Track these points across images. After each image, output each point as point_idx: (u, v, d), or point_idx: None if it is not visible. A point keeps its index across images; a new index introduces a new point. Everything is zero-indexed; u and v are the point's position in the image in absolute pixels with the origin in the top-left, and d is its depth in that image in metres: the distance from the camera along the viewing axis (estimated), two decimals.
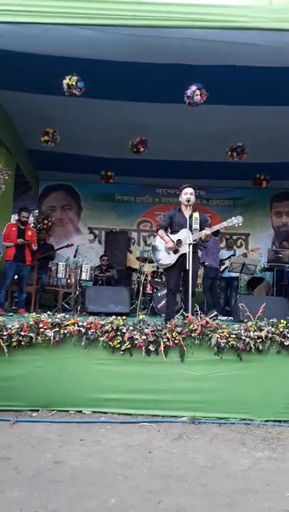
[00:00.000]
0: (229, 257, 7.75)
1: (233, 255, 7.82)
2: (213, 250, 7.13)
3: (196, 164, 8.08)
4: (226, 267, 7.64)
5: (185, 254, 4.56)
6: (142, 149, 6.81)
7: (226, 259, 7.77)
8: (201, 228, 4.63)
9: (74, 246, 8.69)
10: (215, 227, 4.79)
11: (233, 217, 4.66)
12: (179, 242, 4.69)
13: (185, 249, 4.57)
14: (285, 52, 4.60)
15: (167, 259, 4.80)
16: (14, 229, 6.45)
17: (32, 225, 9.27)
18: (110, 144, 7.30)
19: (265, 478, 2.66)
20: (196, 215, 4.67)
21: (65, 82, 4.88)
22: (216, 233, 7.11)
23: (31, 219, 9.94)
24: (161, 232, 4.88)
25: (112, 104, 6.13)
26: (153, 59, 5.01)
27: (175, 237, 4.74)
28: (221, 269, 7.75)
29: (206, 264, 7.03)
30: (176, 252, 4.70)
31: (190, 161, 8.00)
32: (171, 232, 4.85)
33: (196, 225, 4.59)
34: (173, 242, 4.72)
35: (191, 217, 4.62)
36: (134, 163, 7.78)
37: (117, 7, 4.09)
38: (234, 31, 4.25)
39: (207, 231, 4.57)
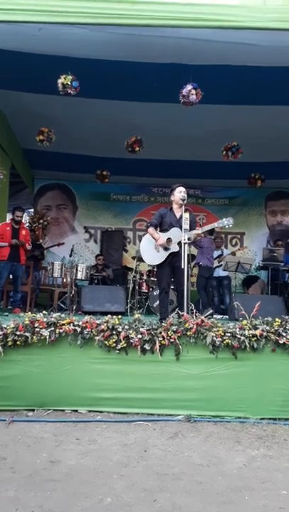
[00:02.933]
0: (218, 257, 7.79)
1: (221, 255, 7.85)
2: (208, 250, 7.14)
3: (191, 164, 8.11)
4: (216, 267, 7.69)
5: (174, 252, 4.57)
6: (137, 149, 6.82)
7: (214, 259, 7.81)
8: (191, 229, 4.64)
9: (65, 245, 8.67)
10: (205, 228, 4.80)
11: (224, 219, 4.68)
12: (169, 240, 4.71)
13: (175, 247, 4.60)
14: (281, 51, 4.62)
15: (156, 257, 4.80)
16: (8, 228, 6.43)
17: (27, 224, 9.25)
18: (106, 143, 7.30)
19: (260, 476, 2.67)
20: (187, 215, 4.67)
21: (60, 81, 4.88)
22: (211, 232, 7.13)
23: (26, 218, 9.93)
24: (151, 229, 4.88)
25: (108, 103, 6.13)
26: (148, 58, 5.03)
27: (165, 236, 4.76)
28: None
29: (200, 264, 7.05)
30: (166, 249, 4.71)
31: (185, 161, 8.02)
32: (161, 231, 4.86)
33: (186, 226, 4.59)
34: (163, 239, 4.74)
35: (181, 217, 4.63)
36: (129, 163, 7.79)
37: (112, 6, 4.08)
38: (229, 31, 4.25)
39: (198, 231, 4.59)
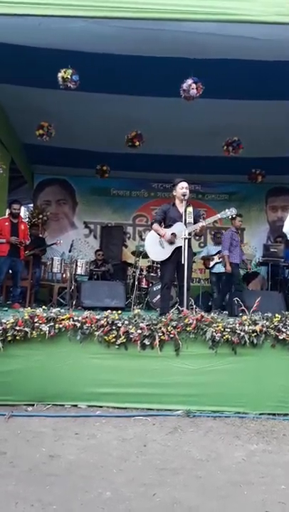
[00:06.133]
0: (218, 253, 7.79)
1: (221, 251, 7.84)
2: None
3: (192, 159, 8.07)
4: (216, 263, 7.69)
5: (179, 247, 4.57)
6: (137, 143, 6.79)
7: (214, 255, 7.82)
8: (196, 222, 4.64)
9: (65, 240, 8.65)
10: (209, 220, 4.81)
11: (227, 209, 4.69)
12: (174, 235, 4.70)
13: (180, 242, 4.58)
14: (284, 46, 4.58)
15: (162, 253, 4.80)
16: (7, 224, 6.40)
17: (27, 219, 9.22)
18: (106, 138, 7.26)
19: (259, 470, 2.68)
20: (190, 209, 4.67)
21: (60, 75, 4.84)
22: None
23: (26, 213, 9.90)
24: (155, 225, 4.88)
25: (108, 97, 6.09)
26: (150, 52, 4.98)
27: (169, 231, 4.75)
28: (211, 265, 7.80)
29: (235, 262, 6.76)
30: (171, 243, 4.70)
31: (186, 156, 7.98)
32: (165, 227, 4.86)
33: (190, 219, 4.59)
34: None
35: (185, 211, 4.63)
36: (129, 158, 7.75)
37: None
38: (233, 24, 4.21)
39: (202, 223, 4.59)
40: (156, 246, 4.85)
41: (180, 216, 4.72)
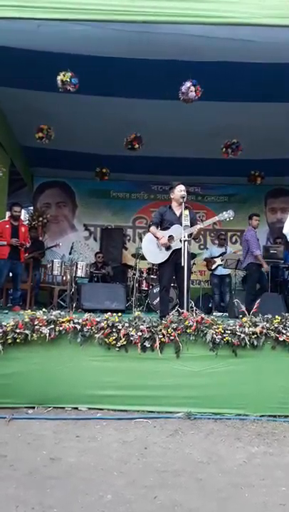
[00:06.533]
0: (221, 255, 7.79)
1: (225, 253, 7.86)
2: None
3: (191, 161, 8.10)
4: (219, 265, 7.69)
5: (176, 249, 4.58)
6: (136, 146, 6.81)
7: (217, 257, 7.82)
8: (192, 225, 4.65)
9: (65, 242, 8.68)
10: (207, 222, 4.84)
11: (225, 212, 4.70)
12: (171, 237, 4.72)
13: (177, 244, 4.60)
14: (279, 48, 4.60)
15: (159, 255, 4.80)
16: (7, 226, 6.42)
17: (27, 221, 9.24)
18: (105, 140, 7.28)
19: (260, 472, 2.67)
20: (187, 212, 4.68)
21: (59, 78, 4.86)
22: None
23: (26, 216, 9.92)
24: (153, 228, 4.89)
25: (107, 100, 6.11)
26: (147, 55, 5.01)
27: (167, 233, 4.77)
28: (213, 267, 7.81)
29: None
30: (168, 248, 4.71)
31: (185, 158, 8.01)
32: (162, 229, 4.87)
33: (186, 222, 4.60)
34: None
35: (181, 214, 4.64)
36: (129, 160, 7.77)
37: (111, 2, 4.06)
38: (228, 27, 4.23)
39: (200, 225, 4.61)
40: (153, 248, 4.86)
41: (177, 219, 4.75)
